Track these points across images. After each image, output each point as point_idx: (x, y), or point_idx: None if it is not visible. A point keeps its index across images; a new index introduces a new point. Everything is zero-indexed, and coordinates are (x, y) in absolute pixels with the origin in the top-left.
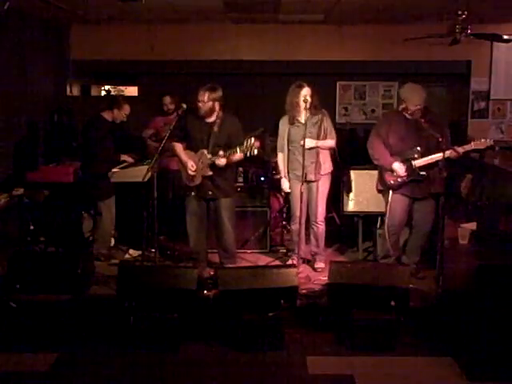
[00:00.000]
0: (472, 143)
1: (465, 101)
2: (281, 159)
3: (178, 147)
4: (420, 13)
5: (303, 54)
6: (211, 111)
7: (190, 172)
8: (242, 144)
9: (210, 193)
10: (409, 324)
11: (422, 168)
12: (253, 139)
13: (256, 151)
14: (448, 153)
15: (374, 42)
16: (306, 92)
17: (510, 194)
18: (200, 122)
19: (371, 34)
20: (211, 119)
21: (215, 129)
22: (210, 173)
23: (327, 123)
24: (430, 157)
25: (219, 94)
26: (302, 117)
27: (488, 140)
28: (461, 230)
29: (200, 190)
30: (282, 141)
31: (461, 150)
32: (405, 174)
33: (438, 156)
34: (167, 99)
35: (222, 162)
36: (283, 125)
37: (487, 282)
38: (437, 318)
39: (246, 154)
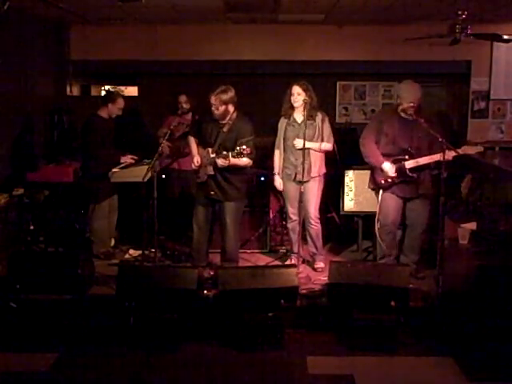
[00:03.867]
0: (461, 148)
1: (465, 101)
2: (276, 156)
3: (192, 141)
4: (420, 13)
5: (303, 54)
6: (225, 114)
7: (193, 166)
8: (234, 149)
9: (213, 193)
10: (409, 324)
11: (412, 170)
12: (244, 146)
13: (244, 159)
14: (438, 156)
15: (374, 42)
16: (294, 90)
17: (510, 194)
18: (214, 122)
19: (371, 34)
20: (224, 121)
21: (224, 130)
22: (212, 172)
23: (325, 126)
24: (421, 159)
25: (231, 95)
26: (299, 116)
27: (478, 146)
28: (461, 230)
29: (204, 188)
30: (279, 139)
31: (451, 154)
32: (394, 174)
33: (429, 158)
34: (183, 98)
35: (221, 162)
36: (281, 123)
37: (487, 282)
38: (437, 318)
39: (236, 157)
